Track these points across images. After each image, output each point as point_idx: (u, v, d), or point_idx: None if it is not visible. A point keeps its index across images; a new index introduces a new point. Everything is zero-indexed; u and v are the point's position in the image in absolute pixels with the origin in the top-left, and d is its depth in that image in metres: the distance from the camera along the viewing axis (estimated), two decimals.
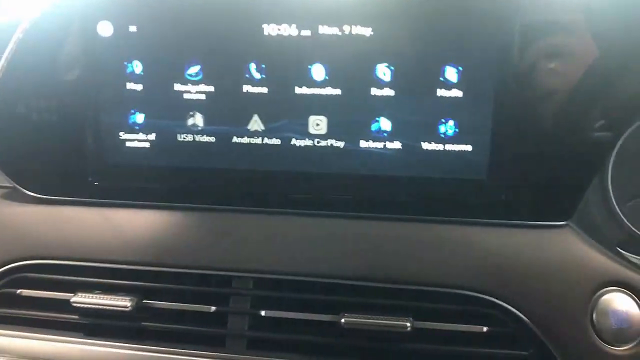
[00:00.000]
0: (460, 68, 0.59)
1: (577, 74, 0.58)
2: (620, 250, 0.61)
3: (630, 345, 0.58)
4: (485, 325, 0.60)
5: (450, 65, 0.59)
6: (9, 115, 0.66)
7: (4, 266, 0.67)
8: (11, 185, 0.68)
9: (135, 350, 0.63)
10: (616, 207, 0.61)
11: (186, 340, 0.64)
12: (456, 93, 0.59)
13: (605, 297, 0.59)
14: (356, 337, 0.61)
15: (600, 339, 0.58)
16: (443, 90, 0.59)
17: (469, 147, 0.60)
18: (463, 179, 0.61)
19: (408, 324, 0.59)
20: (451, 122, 0.60)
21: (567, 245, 0.60)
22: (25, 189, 0.68)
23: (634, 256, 0.61)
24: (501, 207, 0.61)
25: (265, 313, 0.62)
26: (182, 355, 0.63)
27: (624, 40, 0.57)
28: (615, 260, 0.59)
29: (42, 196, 0.68)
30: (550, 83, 0.58)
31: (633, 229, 0.61)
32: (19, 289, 0.67)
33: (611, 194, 0.61)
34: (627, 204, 0.62)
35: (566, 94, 0.58)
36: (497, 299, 0.59)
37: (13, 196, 0.69)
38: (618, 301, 0.59)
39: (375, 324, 0.59)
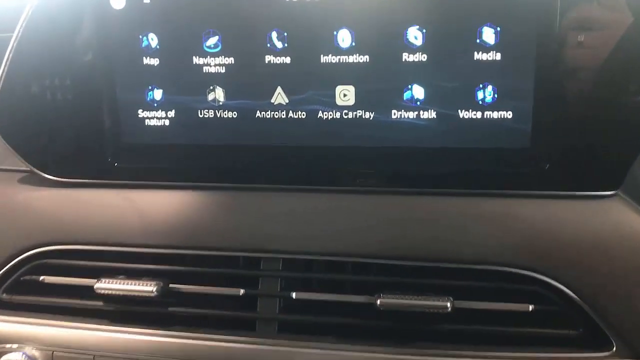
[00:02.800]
0: (499, 28, 0.54)
1: (625, 34, 0.53)
2: None
3: None
4: (530, 304, 0.56)
5: (487, 26, 0.55)
6: (22, 96, 0.63)
7: (25, 253, 0.65)
8: (28, 168, 0.65)
9: (162, 336, 0.61)
10: None
11: (215, 325, 0.61)
12: (494, 56, 0.55)
13: None
14: (393, 318, 0.58)
15: None
16: (480, 53, 0.55)
17: (509, 114, 0.56)
18: (504, 149, 0.57)
19: (448, 304, 0.55)
20: (490, 88, 0.56)
21: (617, 216, 0.56)
22: (43, 172, 0.65)
23: None
24: (545, 177, 0.57)
25: (296, 295, 0.59)
26: (211, 340, 0.60)
27: None
28: None
29: (60, 179, 0.65)
30: (594, 45, 0.54)
31: None
32: (41, 275, 0.65)
33: None
34: None
35: (609, 59, 0.53)
36: (542, 275, 0.56)
37: (31, 180, 0.66)
38: None
39: (414, 304, 0.56)
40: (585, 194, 0.57)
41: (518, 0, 0.54)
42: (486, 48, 0.55)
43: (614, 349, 0.55)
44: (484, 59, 0.55)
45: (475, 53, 0.55)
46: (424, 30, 0.55)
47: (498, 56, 0.55)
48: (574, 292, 0.55)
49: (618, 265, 0.55)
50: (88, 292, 0.63)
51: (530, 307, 0.56)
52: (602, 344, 0.55)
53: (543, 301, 0.56)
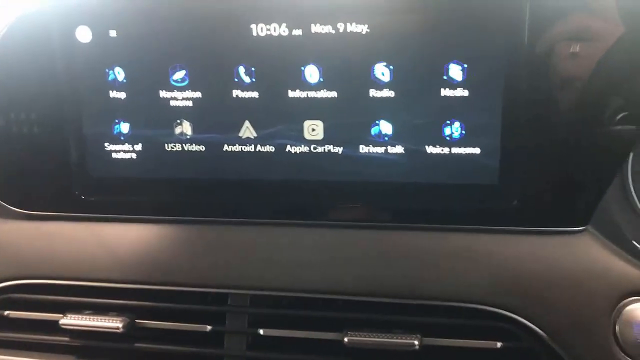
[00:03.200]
0: (466, 65, 0.54)
1: (591, 69, 0.53)
2: None
3: None
4: (499, 341, 0.56)
5: (454, 63, 0.54)
6: None
7: None
8: None
9: None
10: None
11: None
12: (461, 92, 0.55)
13: (629, 307, 0.55)
14: (362, 356, 0.57)
15: (624, 353, 0.54)
16: (447, 89, 0.55)
17: (477, 150, 0.56)
18: (472, 185, 0.57)
19: (416, 342, 0.55)
20: (457, 124, 0.56)
21: (586, 253, 0.56)
22: (10, 205, 0.65)
23: None
24: (514, 213, 0.57)
25: (263, 332, 0.59)
26: None
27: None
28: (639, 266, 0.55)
29: (27, 212, 0.64)
30: (562, 79, 0.54)
31: None
32: (6, 310, 0.64)
33: (634, 194, 0.57)
34: None
35: (580, 90, 0.53)
36: (511, 312, 0.55)
37: None
38: None
39: (381, 342, 0.56)
40: (555, 230, 0.57)
41: (485, 37, 0.54)
42: (453, 85, 0.55)
43: None
44: (451, 95, 0.55)
45: (442, 89, 0.55)
46: (391, 67, 0.55)
47: (465, 92, 0.55)
48: (542, 329, 0.55)
49: (587, 302, 0.55)
50: (55, 327, 0.62)
51: (499, 345, 0.56)
52: None
53: (512, 338, 0.56)
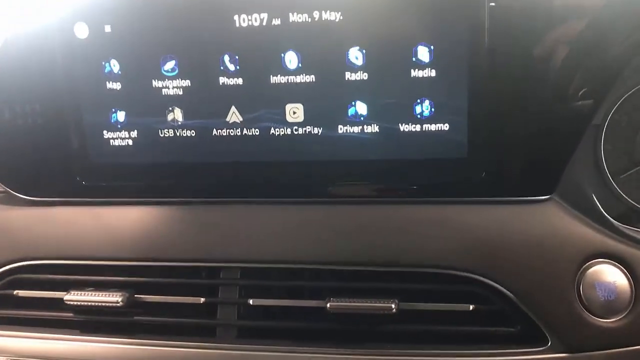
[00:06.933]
0: (432, 47, 0.58)
1: (552, 46, 0.57)
2: (616, 223, 0.60)
3: (619, 317, 0.58)
4: (471, 304, 0.59)
5: (422, 45, 0.58)
6: None
7: (0, 268, 0.68)
8: (2, 189, 0.69)
9: (128, 344, 0.64)
10: (612, 180, 0.60)
11: (178, 333, 0.65)
12: (430, 73, 0.59)
13: (592, 269, 0.58)
14: (343, 321, 0.61)
15: (588, 311, 0.58)
16: (416, 70, 0.59)
17: (446, 127, 0.60)
18: (443, 159, 0.61)
19: (393, 306, 0.59)
20: (427, 102, 0.60)
21: (550, 219, 0.59)
22: (17, 192, 0.69)
23: (629, 227, 0.60)
24: (482, 184, 0.61)
25: (253, 302, 0.63)
26: (174, 347, 0.64)
27: (598, 6, 0.56)
28: (602, 232, 0.59)
29: (33, 198, 0.69)
30: (523, 57, 0.57)
31: (631, 201, 0.60)
32: (14, 290, 0.68)
33: (605, 168, 0.60)
34: (620, 176, 0.61)
35: (541, 70, 0.57)
36: (481, 276, 0.59)
37: (5, 200, 0.70)
38: (605, 273, 0.58)
39: (360, 307, 0.59)
40: (521, 199, 0.60)
41: (449, 20, 0.58)
42: (422, 65, 0.59)
43: (549, 344, 0.58)
44: (420, 75, 0.59)
45: (412, 70, 0.59)
46: (364, 51, 0.60)
47: (433, 73, 0.59)
48: (510, 292, 0.59)
49: (552, 265, 0.58)
50: (59, 305, 0.66)
51: (471, 307, 0.60)
52: (538, 340, 0.59)
53: (482, 301, 0.60)
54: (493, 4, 0.56)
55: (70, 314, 0.67)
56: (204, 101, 0.64)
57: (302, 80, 0.61)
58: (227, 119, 0.63)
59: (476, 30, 0.57)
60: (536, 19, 0.57)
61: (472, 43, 0.58)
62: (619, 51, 0.57)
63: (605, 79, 0.58)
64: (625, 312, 0.57)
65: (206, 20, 0.61)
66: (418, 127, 0.60)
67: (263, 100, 0.62)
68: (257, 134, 0.63)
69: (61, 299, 0.66)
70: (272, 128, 0.63)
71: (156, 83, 0.64)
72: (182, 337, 0.64)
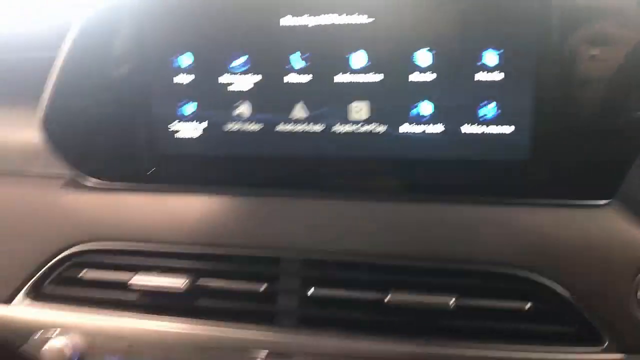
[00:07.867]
0: (501, 51, 0.59)
1: (619, 58, 0.57)
2: None
3: None
4: (526, 303, 0.61)
5: (490, 49, 0.60)
6: (71, 109, 0.70)
7: (68, 249, 0.71)
8: (73, 173, 0.72)
9: (189, 326, 0.67)
10: None
11: (237, 318, 0.67)
12: (496, 76, 0.60)
13: None
14: (400, 314, 0.63)
15: None
16: (482, 73, 0.60)
17: (510, 129, 0.61)
18: (505, 161, 0.62)
19: (451, 301, 0.60)
20: (492, 105, 0.61)
21: (609, 224, 0.60)
22: (87, 177, 0.72)
23: None
24: (543, 187, 0.62)
25: (311, 292, 0.65)
26: (234, 329, 0.66)
27: None
28: None
29: (102, 183, 0.72)
30: (591, 65, 0.58)
31: None
32: (82, 271, 0.71)
33: None
34: None
35: (608, 76, 0.58)
36: (540, 275, 0.60)
37: (75, 184, 0.73)
38: None
39: (419, 301, 0.61)
40: (580, 203, 0.61)
41: (519, 25, 0.58)
42: (488, 69, 0.60)
43: (606, 344, 0.60)
44: (486, 79, 0.60)
45: (477, 74, 0.60)
46: (433, 52, 0.61)
47: (500, 76, 0.60)
48: (569, 292, 0.60)
49: (609, 268, 0.59)
50: (124, 286, 0.69)
51: (528, 305, 0.61)
52: (592, 341, 0.60)
53: (540, 300, 0.61)
54: (564, 10, 0.57)
55: (135, 296, 0.70)
56: (271, 97, 0.65)
57: (369, 79, 0.63)
58: (292, 115, 0.65)
59: (546, 36, 0.58)
60: (606, 21, 0.57)
61: (542, 49, 0.58)
62: None
63: None
64: None
65: (278, 20, 0.63)
66: (481, 129, 0.62)
67: (329, 98, 0.64)
68: (321, 130, 0.65)
69: (126, 282, 0.68)
70: (336, 124, 0.65)
71: (225, 78, 0.66)
72: (241, 323, 0.67)
